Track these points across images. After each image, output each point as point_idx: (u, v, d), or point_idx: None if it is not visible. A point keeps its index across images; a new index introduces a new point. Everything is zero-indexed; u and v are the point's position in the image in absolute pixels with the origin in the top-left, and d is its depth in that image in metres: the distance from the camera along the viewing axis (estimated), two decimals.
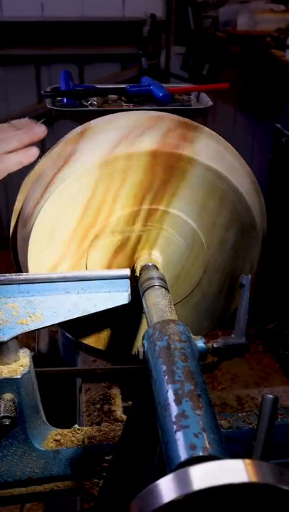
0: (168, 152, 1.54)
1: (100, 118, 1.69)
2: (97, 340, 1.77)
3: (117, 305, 1.49)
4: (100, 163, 1.52)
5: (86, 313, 1.47)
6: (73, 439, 1.57)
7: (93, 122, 1.68)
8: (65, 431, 1.60)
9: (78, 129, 1.70)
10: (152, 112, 1.70)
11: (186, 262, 1.66)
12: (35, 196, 1.61)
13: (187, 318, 1.74)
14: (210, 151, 1.61)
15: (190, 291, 1.71)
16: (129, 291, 1.49)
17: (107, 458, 1.55)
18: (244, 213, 1.61)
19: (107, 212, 1.58)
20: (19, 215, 1.71)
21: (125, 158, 1.53)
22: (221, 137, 1.71)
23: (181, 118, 1.70)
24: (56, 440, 1.56)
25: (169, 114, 1.70)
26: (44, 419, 1.56)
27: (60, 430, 1.59)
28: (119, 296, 1.49)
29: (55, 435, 1.57)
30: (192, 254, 1.66)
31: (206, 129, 1.70)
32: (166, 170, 1.55)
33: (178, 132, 1.62)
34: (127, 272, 1.49)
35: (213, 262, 1.67)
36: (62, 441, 1.56)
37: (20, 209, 1.71)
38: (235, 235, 1.64)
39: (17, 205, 1.73)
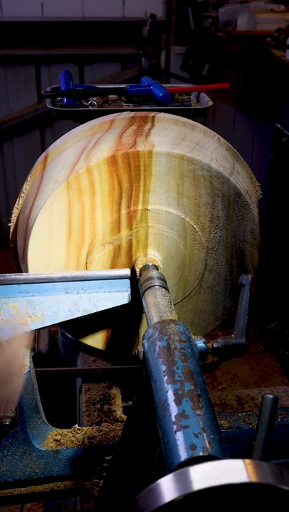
0: (125, 153, 1.54)
1: (59, 139, 1.71)
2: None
3: (118, 305, 1.49)
4: (64, 185, 1.53)
5: (86, 313, 1.47)
6: (73, 439, 1.57)
7: (52, 146, 1.71)
8: (65, 431, 1.59)
9: (43, 154, 1.72)
10: (110, 115, 1.70)
11: (184, 250, 1.66)
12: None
13: (205, 301, 1.74)
14: (169, 136, 1.60)
15: (200, 276, 1.71)
16: (129, 291, 1.49)
17: (107, 458, 1.54)
18: (222, 184, 1.59)
19: (90, 228, 1.59)
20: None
21: (86, 172, 1.53)
22: (180, 117, 1.70)
23: (136, 113, 1.70)
24: (56, 440, 1.56)
25: (124, 113, 1.71)
26: (44, 419, 1.56)
27: (60, 430, 1.59)
28: (119, 296, 1.49)
29: (55, 435, 1.57)
30: (188, 241, 1.65)
31: (162, 114, 1.69)
32: (131, 170, 1.56)
33: (133, 128, 1.62)
34: (127, 271, 1.49)
35: (212, 242, 1.66)
36: (62, 441, 1.56)
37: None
38: (223, 208, 1.63)
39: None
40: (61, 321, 1.48)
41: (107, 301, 1.47)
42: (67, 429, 1.60)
